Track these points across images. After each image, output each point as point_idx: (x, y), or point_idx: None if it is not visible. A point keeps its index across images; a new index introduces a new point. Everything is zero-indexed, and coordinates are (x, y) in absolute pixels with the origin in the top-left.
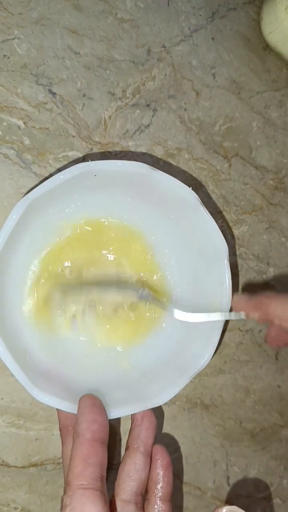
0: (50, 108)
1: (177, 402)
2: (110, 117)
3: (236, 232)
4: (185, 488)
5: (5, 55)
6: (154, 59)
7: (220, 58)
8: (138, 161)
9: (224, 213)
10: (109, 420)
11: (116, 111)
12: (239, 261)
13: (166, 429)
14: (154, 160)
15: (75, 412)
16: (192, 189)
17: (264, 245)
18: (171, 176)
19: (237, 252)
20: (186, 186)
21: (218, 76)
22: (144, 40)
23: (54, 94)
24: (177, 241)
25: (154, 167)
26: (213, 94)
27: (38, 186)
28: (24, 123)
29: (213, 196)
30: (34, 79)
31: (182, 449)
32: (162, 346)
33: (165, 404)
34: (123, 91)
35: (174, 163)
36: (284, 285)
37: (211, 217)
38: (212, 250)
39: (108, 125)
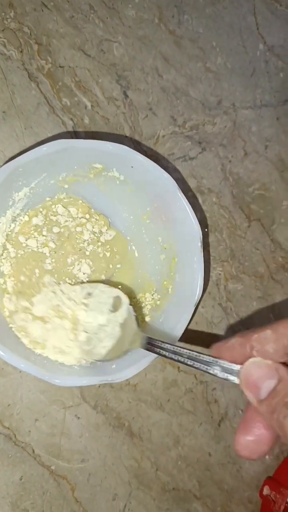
0: (118, 105)
1: (106, 414)
2: (164, 136)
3: (230, 286)
4: (74, 507)
5: (102, 50)
6: (220, 110)
7: (277, 136)
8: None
9: (225, 263)
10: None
11: (171, 134)
12: (222, 314)
13: (85, 434)
14: (185, 188)
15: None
16: (206, 230)
17: (251, 311)
18: (152, 161)
19: (223, 304)
20: (165, 171)
21: (270, 149)
22: (219, 92)
23: (126, 96)
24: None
25: (184, 196)
26: (259, 161)
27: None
28: (91, 106)
29: (222, 244)
30: (116, 78)
31: (89, 463)
32: None
33: (95, 409)
34: (184, 121)
35: (201, 200)
36: None
37: (186, 200)
38: (188, 232)
39: (159, 142)
